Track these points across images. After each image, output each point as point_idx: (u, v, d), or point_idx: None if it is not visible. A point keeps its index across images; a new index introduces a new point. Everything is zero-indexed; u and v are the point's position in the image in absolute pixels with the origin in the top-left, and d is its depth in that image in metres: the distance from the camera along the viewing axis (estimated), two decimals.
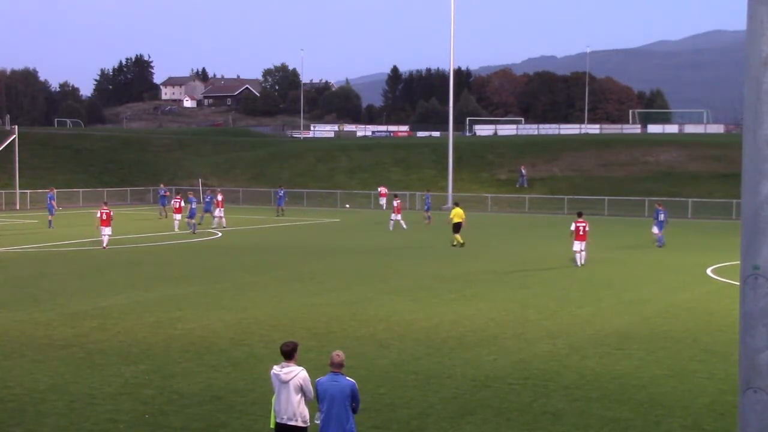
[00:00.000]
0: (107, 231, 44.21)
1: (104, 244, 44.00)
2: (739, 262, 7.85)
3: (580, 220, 39.06)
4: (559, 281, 33.77)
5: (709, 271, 37.01)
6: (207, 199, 61.39)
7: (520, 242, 49.86)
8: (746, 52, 7.65)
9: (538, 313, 26.66)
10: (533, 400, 17.09)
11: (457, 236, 46.56)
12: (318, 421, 12.00)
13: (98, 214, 44.85)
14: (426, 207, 67.51)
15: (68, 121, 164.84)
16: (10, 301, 28.06)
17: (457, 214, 47.29)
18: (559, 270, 37.10)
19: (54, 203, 59.38)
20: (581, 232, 38.51)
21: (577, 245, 38.44)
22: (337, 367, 11.99)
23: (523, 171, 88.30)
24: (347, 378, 12.01)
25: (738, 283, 8.00)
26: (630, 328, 24.26)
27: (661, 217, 47.51)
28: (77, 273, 35.18)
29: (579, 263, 38.26)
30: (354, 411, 11.99)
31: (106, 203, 48.28)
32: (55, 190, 63.36)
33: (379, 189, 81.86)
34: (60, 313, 25.94)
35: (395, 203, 59.65)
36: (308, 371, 11.06)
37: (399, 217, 58.61)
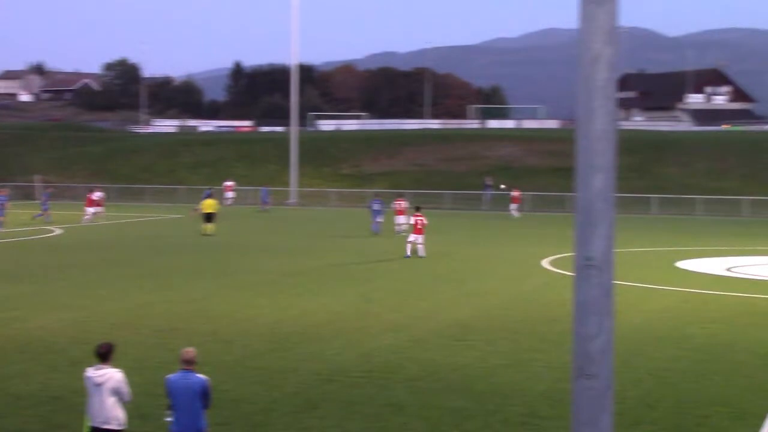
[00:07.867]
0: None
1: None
2: (573, 253, 8.13)
3: (418, 214, 40.59)
4: (402, 275, 34.18)
5: (544, 262, 38.04)
6: None
7: (363, 237, 50.15)
8: (578, 50, 7.93)
9: (382, 306, 26.91)
10: (376, 392, 17.25)
11: (209, 226, 49.85)
12: (169, 419, 11.81)
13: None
14: (264, 200, 69.90)
15: None
16: None
17: (209, 205, 51.13)
18: (401, 264, 37.55)
19: None
20: (419, 226, 39.89)
21: (413, 237, 40.03)
22: (188, 363, 11.80)
23: (489, 182, 79.75)
24: (198, 375, 11.81)
25: (572, 274, 8.28)
26: (470, 320, 24.73)
27: (375, 206, 51.74)
28: None
29: (409, 254, 39.60)
30: (206, 407, 11.85)
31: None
32: None
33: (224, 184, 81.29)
34: None
35: (94, 196, 58.90)
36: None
37: (92, 211, 57.67)
